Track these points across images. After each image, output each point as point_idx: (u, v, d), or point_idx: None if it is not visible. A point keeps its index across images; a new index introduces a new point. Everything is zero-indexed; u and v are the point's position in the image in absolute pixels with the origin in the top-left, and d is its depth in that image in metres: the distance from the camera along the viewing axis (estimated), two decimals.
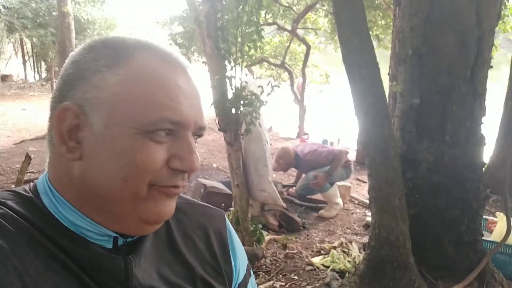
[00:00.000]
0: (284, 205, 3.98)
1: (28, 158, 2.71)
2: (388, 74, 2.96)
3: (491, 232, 3.20)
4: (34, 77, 17.67)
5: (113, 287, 0.55)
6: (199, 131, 0.59)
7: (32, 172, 4.77)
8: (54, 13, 11.30)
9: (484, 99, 2.72)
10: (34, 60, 17.72)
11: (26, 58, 17.81)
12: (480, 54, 2.61)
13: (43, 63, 17.33)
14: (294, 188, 4.79)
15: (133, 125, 0.52)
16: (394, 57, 2.86)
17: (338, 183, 4.50)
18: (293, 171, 6.07)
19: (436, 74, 2.65)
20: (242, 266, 0.73)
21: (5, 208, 0.54)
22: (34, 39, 14.72)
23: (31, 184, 0.61)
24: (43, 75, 17.50)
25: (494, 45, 2.84)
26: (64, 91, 0.55)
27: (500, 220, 3.16)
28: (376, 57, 2.39)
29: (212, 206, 0.77)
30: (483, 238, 2.77)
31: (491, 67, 2.78)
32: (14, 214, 0.53)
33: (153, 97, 0.53)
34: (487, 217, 3.41)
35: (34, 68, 17.93)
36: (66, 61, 0.58)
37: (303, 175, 4.67)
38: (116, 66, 0.54)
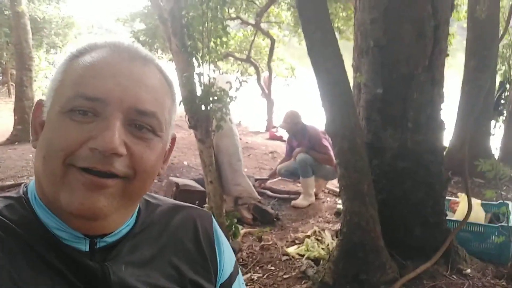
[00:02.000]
0: (259, 197, 4.03)
1: None
2: (352, 65, 3.05)
3: (454, 212, 3.38)
4: None
5: None
6: (140, 117, 0.55)
7: (1, 180, 4.59)
8: (6, 12, 10.78)
9: (442, 86, 2.86)
10: None
11: None
12: (437, 44, 2.74)
13: None
14: (277, 168, 4.84)
15: (58, 106, 0.54)
16: (357, 49, 2.95)
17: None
18: (264, 164, 6.13)
19: (396, 64, 2.76)
20: (229, 264, 0.75)
21: None
22: None
23: (26, 183, 0.62)
24: None
25: (450, 33, 2.99)
26: None
27: (462, 200, 3.35)
28: (340, 49, 2.47)
29: (199, 207, 0.78)
30: (447, 218, 2.93)
31: (448, 55, 2.93)
32: (4, 220, 0.54)
33: (76, 76, 0.55)
34: (450, 198, 3.60)
35: None
36: None
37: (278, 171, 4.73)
38: (69, 61, 0.58)
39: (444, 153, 2.95)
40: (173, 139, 0.65)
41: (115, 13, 10.05)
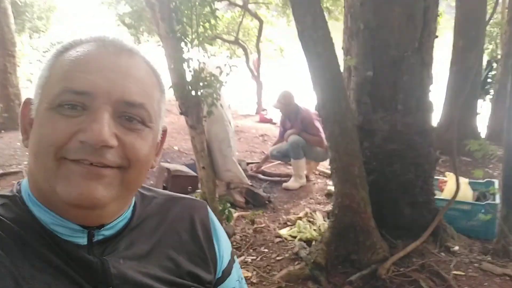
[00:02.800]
0: (249, 182, 4.06)
1: None
2: (342, 48, 3.05)
3: (442, 191, 3.46)
4: None
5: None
6: (129, 108, 0.55)
7: None
8: None
9: (431, 68, 2.89)
10: None
11: None
12: (427, 25, 2.75)
13: None
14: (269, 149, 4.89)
15: (46, 102, 0.55)
16: (347, 31, 2.94)
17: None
18: (255, 148, 6.16)
19: (386, 47, 2.77)
20: (226, 252, 0.76)
21: None
22: None
23: (19, 181, 0.62)
24: None
25: (439, 13, 2.99)
26: None
27: (449, 180, 3.42)
28: (330, 33, 2.47)
29: (194, 198, 0.79)
30: (435, 197, 3.00)
31: (437, 36, 2.94)
32: (1, 218, 0.55)
33: (64, 72, 0.55)
34: (438, 177, 3.67)
35: None
36: None
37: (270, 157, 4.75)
38: (55, 56, 0.58)
39: (432, 133, 3.00)
40: (164, 131, 0.66)
41: None
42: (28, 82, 8.52)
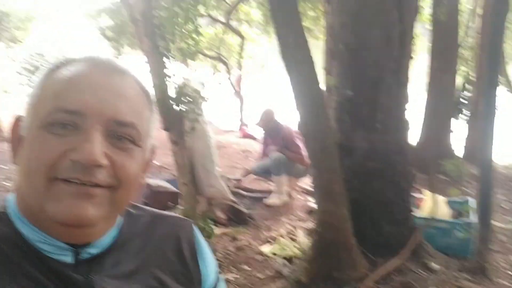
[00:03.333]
0: (232, 198, 4.05)
1: None
2: (324, 68, 3.12)
3: (419, 208, 3.53)
4: None
5: None
6: (119, 128, 0.56)
7: None
8: None
9: (407, 88, 2.98)
10: None
11: None
12: (403, 47, 2.85)
13: None
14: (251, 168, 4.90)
15: (37, 120, 0.55)
16: (328, 52, 3.02)
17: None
18: (237, 163, 6.15)
19: (365, 67, 2.85)
20: (212, 272, 0.76)
21: None
22: None
23: (4, 198, 0.62)
24: None
25: (415, 36, 3.11)
26: None
27: (427, 197, 3.50)
28: (311, 52, 2.52)
29: (180, 216, 0.79)
30: (414, 214, 3.06)
31: (412, 58, 3.05)
32: None
33: (55, 91, 0.55)
34: (416, 195, 3.75)
35: None
36: None
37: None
38: (46, 75, 0.58)
39: (410, 152, 3.08)
40: (153, 150, 0.67)
41: (81, 8, 9.75)
42: (4, 93, 8.32)
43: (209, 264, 0.76)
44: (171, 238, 0.72)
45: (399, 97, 2.91)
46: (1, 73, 10.90)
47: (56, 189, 0.53)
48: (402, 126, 2.95)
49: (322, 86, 2.72)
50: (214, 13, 9.39)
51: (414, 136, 5.64)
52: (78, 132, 0.53)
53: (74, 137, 0.53)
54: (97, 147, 0.53)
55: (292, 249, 3.16)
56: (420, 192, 3.90)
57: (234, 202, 4.14)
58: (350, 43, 2.84)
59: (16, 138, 0.59)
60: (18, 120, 0.59)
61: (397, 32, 2.81)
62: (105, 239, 0.62)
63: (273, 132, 4.66)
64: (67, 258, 0.58)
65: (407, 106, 2.99)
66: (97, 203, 0.54)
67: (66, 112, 0.53)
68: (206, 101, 3.10)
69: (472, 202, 3.35)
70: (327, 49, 3.06)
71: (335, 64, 2.97)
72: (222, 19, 9.18)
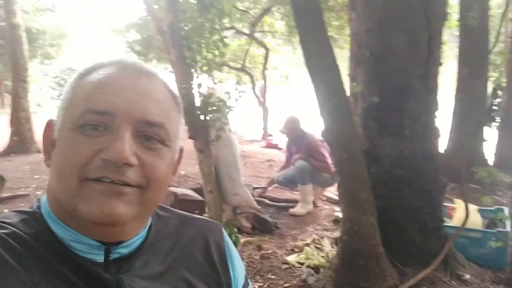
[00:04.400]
0: (258, 206, 4.04)
1: (1, 179, 2.63)
2: (348, 74, 3.10)
3: (451, 218, 3.42)
4: None
5: None
6: (149, 128, 0.57)
7: None
8: (1, 24, 10.78)
9: (436, 94, 2.92)
10: None
11: None
12: (431, 53, 2.80)
13: None
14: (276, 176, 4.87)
15: (69, 122, 0.56)
16: (353, 59, 3.00)
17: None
18: (261, 172, 6.16)
19: (392, 74, 2.81)
20: (241, 275, 0.75)
21: (11, 228, 0.56)
22: None
23: (39, 198, 0.64)
24: None
25: (443, 42, 3.05)
26: None
27: (458, 206, 3.39)
28: (336, 59, 2.52)
29: (209, 219, 0.79)
30: (445, 224, 2.96)
31: (441, 64, 2.99)
32: (20, 233, 0.56)
33: (85, 92, 0.57)
34: (447, 204, 3.64)
35: None
36: None
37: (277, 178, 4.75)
38: (77, 79, 0.60)
39: (440, 160, 3.00)
40: (181, 150, 0.68)
41: (110, 24, 10.11)
42: (38, 107, 8.69)
43: (238, 267, 0.75)
44: (199, 240, 0.72)
45: (428, 104, 2.85)
46: (35, 87, 11.37)
47: (87, 189, 0.54)
48: (431, 133, 2.88)
49: (347, 93, 2.70)
50: (239, 25, 9.54)
51: (444, 144, 5.50)
52: (108, 132, 0.55)
53: (105, 137, 0.54)
54: (127, 145, 0.54)
55: (318, 258, 3.11)
56: (451, 201, 3.78)
57: (259, 211, 4.13)
58: (376, 49, 2.81)
59: (48, 142, 0.61)
60: (50, 124, 0.61)
61: (425, 37, 2.77)
62: (136, 240, 0.63)
63: (298, 140, 4.62)
64: (98, 257, 0.59)
65: (437, 113, 2.93)
66: (127, 201, 0.55)
67: (95, 113, 0.55)
68: (231, 110, 3.13)
69: (506, 211, 3.22)
70: (352, 56, 3.04)
71: (361, 70, 2.95)
72: (247, 31, 9.29)
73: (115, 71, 0.59)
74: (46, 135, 0.61)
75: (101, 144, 0.54)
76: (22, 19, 7.62)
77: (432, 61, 2.80)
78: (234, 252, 0.76)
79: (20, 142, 6.92)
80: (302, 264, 3.12)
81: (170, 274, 0.65)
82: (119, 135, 0.54)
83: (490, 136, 6.08)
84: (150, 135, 0.57)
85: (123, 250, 0.61)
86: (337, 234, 3.58)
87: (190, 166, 6.01)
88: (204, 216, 0.79)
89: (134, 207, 0.56)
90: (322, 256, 3.18)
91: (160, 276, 0.64)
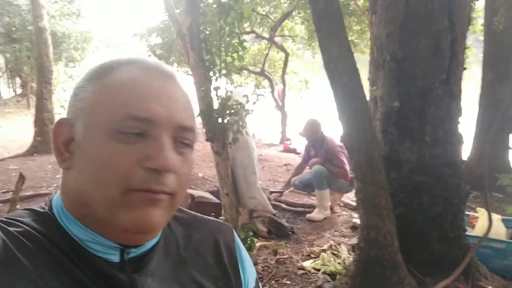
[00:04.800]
0: (274, 211, 4.02)
1: (22, 177, 2.69)
2: (368, 79, 3.06)
3: (473, 227, 3.32)
4: (9, 93, 17.29)
5: None
6: (183, 133, 0.57)
7: (21, 190, 4.66)
8: (29, 28, 11.13)
9: (460, 100, 2.84)
10: (8, 76, 17.34)
11: (0, 74, 17.41)
12: (454, 57, 2.73)
13: (18, 79, 16.98)
14: (292, 179, 4.85)
15: (104, 128, 0.54)
16: (373, 63, 2.96)
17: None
18: (278, 177, 6.13)
19: (413, 78, 2.76)
20: (251, 279, 0.74)
21: (24, 226, 0.56)
22: (8, 55, 14.42)
23: (49, 198, 0.63)
24: (18, 91, 17.14)
25: (467, 47, 2.98)
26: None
27: (481, 215, 3.29)
28: (356, 63, 2.49)
29: (220, 221, 0.79)
30: (466, 233, 2.88)
31: (465, 68, 2.91)
32: (32, 231, 0.55)
33: (121, 98, 0.55)
34: (469, 213, 3.54)
35: (8, 84, 17.55)
36: None
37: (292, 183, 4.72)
38: (96, 79, 0.58)
39: (463, 167, 2.92)
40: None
41: (132, 28, 10.30)
42: (61, 108, 8.92)
43: (249, 270, 0.74)
44: (210, 242, 0.71)
45: (451, 109, 2.78)
46: (60, 90, 11.67)
47: (130, 199, 0.53)
48: (454, 139, 2.80)
49: (367, 97, 2.66)
50: (259, 29, 9.57)
51: (467, 151, 5.36)
52: (148, 139, 0.54)
53: (144, 145, 0.54)
54: (172, 155, 0.55)
55: (334, 265, 3.06)
56: (474, 210, 3.67)
57: (275, 215, 4.11)
58: (397, 53, 2.76)
59: (62, 142, 0.58)
60: (63, 123, 0.59)
61: (448, 41, 2.70)
62: (152, 240, 0.63)
63: (317, 144, 4.58)
64: (114, 257, 0.58)
65: (460, 119, 2.85)
66: (161, 208, 0.55)
67: (136, 120, 0.53)
68: (249, 113, 3.13)
69: None
70: (372, 59, 3.00)
71: (381, 75, 2.91)
72: (267, 35, 9.31)
73: (143, 74, 0.58)
74: (58, 135, 0.58)
75: (140, 152, 0.53)
76: (48, 23, 7.84)
77: (455, 66, 2.73)
78: (245, 255, 0.75)
79: (43, 142, 7.09)
80: (318, 270, 3.08)
81: (181, 275, 0.65)
82: (163, 144, 0.54)
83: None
84: (183, 140, 0.58)
85: (138, 250, 0.61)
86: (354, 240, 3.53)
87: (208, 169, 6.04)
88: (220, 219, 0.79)
89: (166, 213, 0.57)
90: (338, 263, 3.13)
91: (171, 276, 0.64)
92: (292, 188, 5.03)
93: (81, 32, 15.26)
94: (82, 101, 0.57)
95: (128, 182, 0.53)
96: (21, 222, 0.57)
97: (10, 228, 0.55)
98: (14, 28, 12.97)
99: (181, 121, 0.57)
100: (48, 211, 0.60)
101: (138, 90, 0.55)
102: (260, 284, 0.78)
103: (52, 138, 0.59)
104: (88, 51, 15.80)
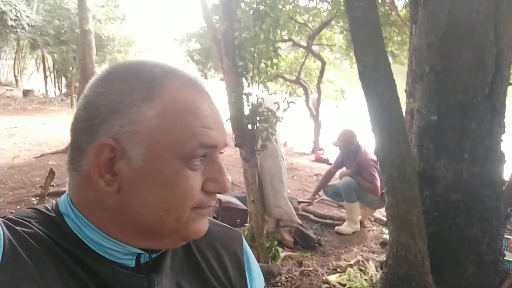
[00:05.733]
0: (299, 221, 3.96)
1: (52, 173, 2.78)
2: (405, 91, 2.96)
3: None
4: (55, 92, 18.17)
5: None
6: (222, 149, 0.61)
7: (53, 186, 4.86)
8: (76, 30, 11.66)
9: (503, 116, 2.69)
10: (55, 76, 18.25)
11: (47, 73, 18.35)
12: (499, 71, 2.59)
13: (63, 79, 17.83)
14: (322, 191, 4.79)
15: (173, 156, 0.53)
16: (411, 74, 2.86)
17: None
18: (308, 186, 6.04)
19: (453, 91, 2.64)
20: (259, 285, 0.73)
21: (33, 227, 0.55)
22: (56, 56, 15.19)
23: (53, 203, 0.62)
24: (63, 90, 17.99)
25: None
26: (96, 123, 0.54)
27: None
28: (393, 74, 2.40)
29: (229, 226, 0.78)
30: (505, 258, 2.70)
31: (511, 84, 2.76)
32: (41, 233, 0.55)
33: (189, 126, 0.55)
34: (509, 237, 3.33)
35: (54, 84, 18.46)
36: (90, 88, 0.57)
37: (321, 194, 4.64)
38: (150, 100, 0.54)
39: (504, 187, 2.75)
40: None
41: (172, 33, 10.57)
42: None
43: (257, 278, 0.74)
44: (216, 247, 0.71)
45: (493, 126, 2.64)
46: None
47: (194, 215, 0.58)
48: (495, 157, 2.65)
49: (403, 109, 2.57)
50: (296, 38, 9.55)
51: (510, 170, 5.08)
52: (207, 163, 0.58)
53: (205, 168, 0.57)
54: (228, 178, 0.60)
55: (360, 281, 2.96)
56: None
57: (302, 226, 4.03)
58: (437, 65, 2.66)
59: (105, 164, 0.54)
60: (109, 146, 0.54)
61: (492, 54, 2.57)
62: None
63: (351, 155, 4.47)
64: (129, 261, 0.59)
65: (503, 136, 2.69)
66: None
67: (205, 148, 0.56)
68: (280, 121, 3.09)
69: None
70: (410, 71, 2.90)
71: (419, 87, 2.80)
72: (304, 44, 9.27)
73: (192, 93, 0.57)
74: (98, 156, 0.54)
75: (204, 175, 0.57)
76: (94, 26, 8.19)
77: (499, 80, 2.59)
78: (253, 262, 0.75)
79: None
80: (344, 285, 2.99)
81: (192, 272, 0.66)
82: (221, 168, 0.59)
83: None
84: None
85: (153, 254, 0.61)
86: (383, 257, 3.40)
87: (238, 174, 6.05)
88: (246, 226, 0.80)
89: None
90: (365, 279, 3.03)
91: (183, 278, 0.64)
92: (321, 196, 4.94)
93: (124, 36, 15.85)
94: (139, 124, 0.53)
95: (196, 204, 0.57)
96: (30, 222, 0.56)
97: (18, 228, 0.54)
98: (62, 31, 13.66)
99: (226, 141, 0.61)
100: (55, 216, 0.58)
101: (201, 116, 0.57)
102: None
103: (91, 158, 0.54)
104: (131, 54, 16.37)
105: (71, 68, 14.63)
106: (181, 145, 0.54)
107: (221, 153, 0.61)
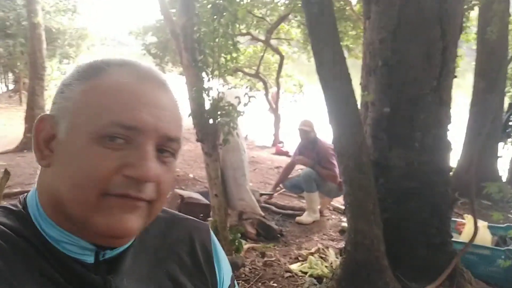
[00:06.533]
0: (262, 213, 4.02)
1: (7, 173, 2.66)
2: (360, 83, 3.08)
3: (460, 233, 3.35)
4: (1, 88, 17.14)
5: None
6: (167, 143, 0.57)
7: (9, 187, 4.62)
8: (24, 23, 11.04)
9: (449, 107, 2.87)
10: (1, 71, 17.19)
11: None
12: (445, 65, 2.76)
13: (10, 74, 16.84)
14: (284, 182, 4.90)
15: (87, 130, 0.53)
16: (365, 68, 2.98)
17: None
18: (270, 179, 6.13)
19: (404, 84, 2.78)
20: (227, 277, 0.75)
21: None
22: (1, 50, 14.30)
23: (22, 196, 0.62)
24: (11, 86, 17.00)
25: (459, 55, 3.01)
26: (52, 108, 0.59)
27: (468, 222, 3.32)
28: (348, 68, 2.50)
29: (197, 219, 0.78)
30: (453, 239, 2.90)
31: (456, 76, 2.94)
32: (7, 230, 0.54)
33: (108, 103, 0.54)
34: (456, 219, 3.57)
35: (1, 80, 17.40)
36: None
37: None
38: (85, 79, 0.57)
39: (451, 174, 2.94)
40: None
41: (128, 26, 10.26)
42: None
43: (225, 268, 0.75)
44: (186, 240, 0.71)
45: (440, 116, 2.81)
46: (53, 86, 11.59)
47: (107, 204, 0.53)
48: (442, 146, 2.83)
49: (358, 102, 2.68)
50: (255, 32, 9.58)
51: (457, 158, 5.41)
52: (131, 147, 0.54)
53: (127, 152, 0.53)
54: (154, 164, 0.54)
55: (321, 268, 3.07)
56: (461, 216, 3.70)
57: (264, 217, 4.11)
58: (389, 59, 2.79)
59: (43, 139, 0.57)
60: (46, 119, 0.57)
61: (439, 49, 2.73)
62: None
63: (310, 145, 4.60)
64: (88, 258, 0.58)
65: (449, 126, 2.88)
66: (139, 215, 0.55)
67: (123, 127, 0.53)
68: (241, 115, 3.12)
69: None
70: (364, 64, 3.02)
71: (373, 80, 2.92)
72: (263, 38, 9.32)
73: (133, 79, 0.57)
74: (40, 131, 0.57)
75: (122, 159, 0.53)
76: (43, 19, 7.79)
77: (445, 73, 2.76)
78: (220, 253, 0.76)
79: None
80: (305, 273, 3.08)
81: (157, 273, 0.65)
82: (146, 153, 0.54)
83: (505, 153, 5.95)
84: (166, 149, 0.57)
85: (113, 252, 0.60)
86: (342, 244, 3.53)
87: (199, 169, 6.03)
88: (209, 220, 0.79)
89: (143, 220, 0.56)
90: (326, 266, 3.14)
91: (148, 275, 0.64)
92: (282, 189, 5.04)
93: (76, 29, 15.16)
94: (68, 100, 0.56)
95: (106, 187, 0.52)
96: None
97: None
98: (8, 23, 12.87)
99: (167, 131, 0.56)
100: (22, 210, 0.58)
101: (126, 96, 0.55)
102: (236, 283, 0.79)
103: (33, 133, 0.57)
104: (83, 48, 15.69)
105: (18, 63, 13.85)
106: (96, 120, 0.53)
107: (173, 149, 0.58)
